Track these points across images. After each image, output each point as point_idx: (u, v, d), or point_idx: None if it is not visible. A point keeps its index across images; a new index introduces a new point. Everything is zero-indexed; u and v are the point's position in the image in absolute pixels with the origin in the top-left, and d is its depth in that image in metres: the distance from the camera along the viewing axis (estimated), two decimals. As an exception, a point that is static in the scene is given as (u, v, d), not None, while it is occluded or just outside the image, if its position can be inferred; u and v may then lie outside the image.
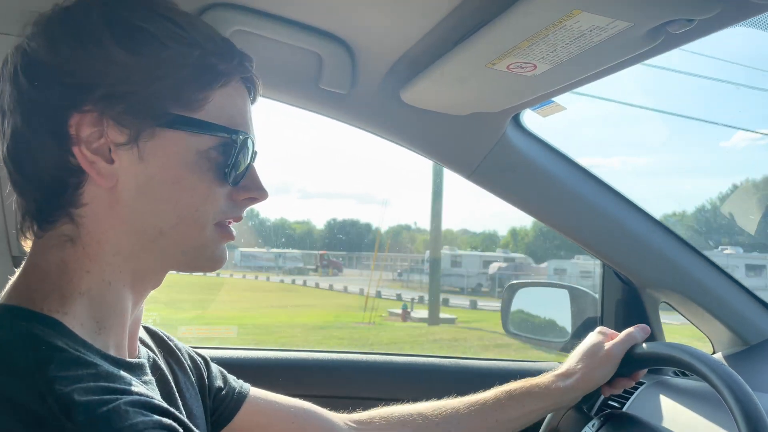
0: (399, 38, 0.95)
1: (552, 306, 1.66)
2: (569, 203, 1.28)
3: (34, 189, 0.66)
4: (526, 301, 1.65)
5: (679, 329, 1.76)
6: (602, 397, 1.16)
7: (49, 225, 0.66)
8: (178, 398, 0.79)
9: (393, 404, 1.08)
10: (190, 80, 0.66)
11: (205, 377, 0.92)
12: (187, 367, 0.88)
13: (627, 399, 1.20)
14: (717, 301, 1.31)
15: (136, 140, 0.64)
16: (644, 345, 1.02)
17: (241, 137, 0.70)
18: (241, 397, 0.96)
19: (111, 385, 0.56)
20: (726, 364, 0.87)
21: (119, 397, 0.55)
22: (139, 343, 0.77)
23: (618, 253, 1.35)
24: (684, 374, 1.29)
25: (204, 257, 0.71)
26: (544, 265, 26.06)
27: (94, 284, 0.65)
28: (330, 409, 1.05)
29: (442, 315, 15.67)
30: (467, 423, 1.02)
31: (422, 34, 0.92)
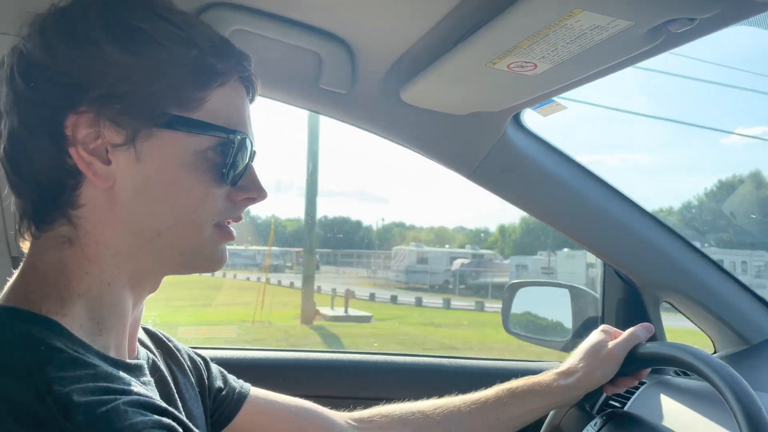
0: (399, 37, 0.95)
1: (553, 305, 1.66)
2: (570, 203, 1.27)
3: (31, 190, 0.65)
4: (526, 300, 1.64)
5: (681, 333, 1.76)
6: (604, 396, 1.16)
7: (46, 226, 0.66)
8: (178, 399, 0.79)
9: (394, 403, 1.08)
10: (187, 80, 0.66)
11: (205, 378, 0.92)
12: (187, 368, 0.88)
13: (628, 398, 1.20)
14: (718, 300, 1.31)
15: (133, 141, 0.64)
16: (647, 344, 1.02)
17: (239, 137, 0.69)
18: (241, 398, 0.95)
19: (110, 385, 0.56)
20: (727, 363, 0.86)
21: (118, 397, 0.55)
22: (138, 344, 0.77)
23: (619, 253, 1.34)
24: (685, 374, 1.28)
25: (202, 258, 0.71)
26: (507, 261, 26.14)
27: (93, 285, 0.65)
28: (331, 409, 1.05)
29: (358, 313, 15.50)
30: (468, 421, 1.02)
31: (422, 34, 0.92)
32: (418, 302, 19.22)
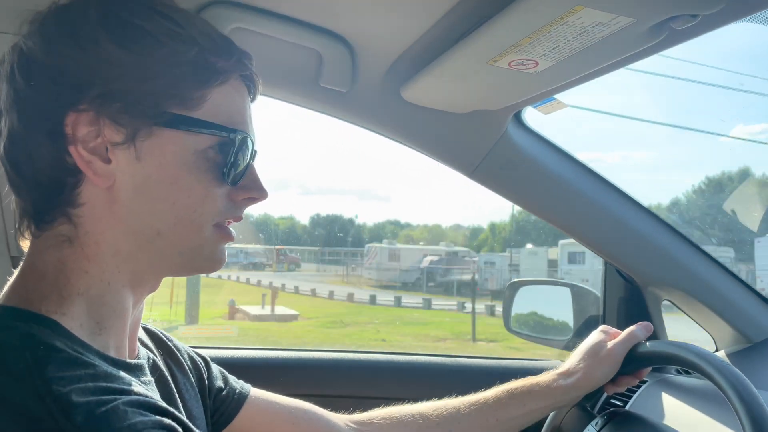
0: (399, 35, 0.94)
1: (554, 304, 1.66)
2: (571, 201, 1.27)
3: (31, 189, 0.65)
4: (528, 299, 1.64)
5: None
6: (605, 395, 1.16)
7: (46, 225, 0.65)
8: (178, 399, 0.79)
9: (394, 403, 1.08)
10: (187, 78, 0.65)
11: (205, 378, 0.91)
12: (187, 368, 0.87)
13: (630, 397, 1.20)
14: (720, 298, 1.30)
15: (133, 139, 0.64)
16: (647, 343, 1.02)
17: (240, 136, 0.69)
18: (241, 398, 0.95)
19: (109, 385, 0.56)
20: (729, 362, 0.86)
21: (118, 397, 0.54)
22: (138, 343, 0.76)
23: (620, 251, 1.34)
24: (687, 372, 1.28)
25: (202, 258, 0.71)
26: (476, 258, 26.16)
27: (93, 285, 0.65)
28: (331, 409, 1.04)
29: (284, 312, 15.25)
30: (468, 422, 1.01)
31: (423, 32, 0.92)
32: (372, 300, 18.95)
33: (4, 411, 0.52)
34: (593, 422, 1.07)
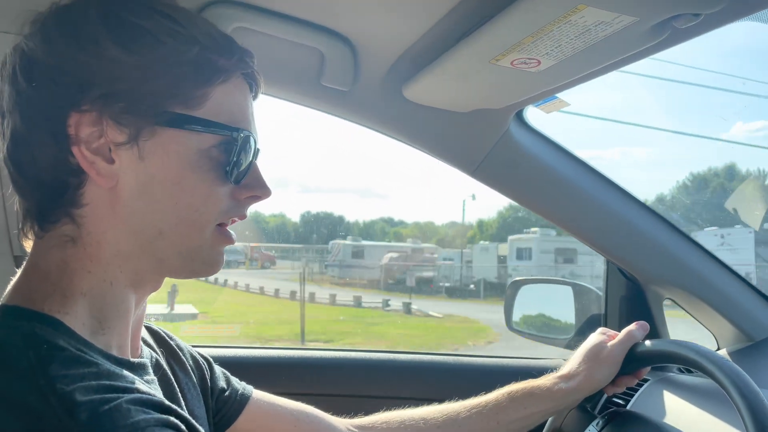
0: (401, 34, 0.94)
1: (555, 303, 1.66)
2: (573, 200, 1.27)
3: (35, 189, 0.65)
4: (529, 297, 1.64)
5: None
6: (606, 396, 1.16)
7: (50, 225, 0.65)
8: (181, 398, 0.79)
9: (396, 401, 1.08)
10: (189, 77, 0.65)
11: (208, 378, 0.91)
12: (189, 368, 0.87)
13: (631, 396, 1.20)
14: (722, 297, 1.30)
15: (135, 139, 0.64)
16: (647, 342, 1.02)
17: (243, 135, 0.69)
18: (243, 399, 0.95)
19: (113, 383, 0.56)
20: (730, 360, 0.86)
21: (121, 395, 0.55)
22: (141, 342, 0.76)
23: (622, 250, 1.34)
24: (688, 371, 1.28)
25: (200, 260, 0.70)
26: (436, 255, 26.15)
27: (95, 284, 0.65)
28: (332, 408, 1.05)
29: (184, 310, 14.85)
30: (468, 425, 1.02)
31: (425, 30, 0.91)
32: (311, 298, 18.39)
33: (8, 409, 0.52)
34: (594, 423, 1.07)
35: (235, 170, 0.69)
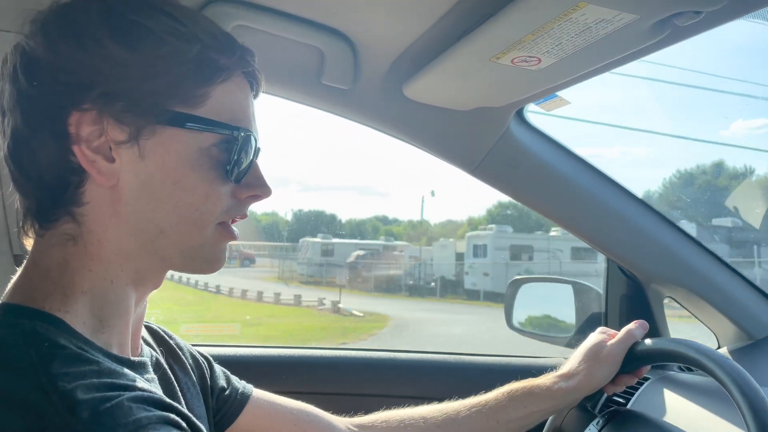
0: (402, 33, 0.94)
1: (556, 301, 1.66)
2: (574, 198, 1.27)
3: (36, 188, 0.65)
4: (530, 296, 1.64)
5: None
6: (606, 395, 1.16)
7: (50, 224, 0.65)
8: (181, 397, 0.79)
9: (396, 400, 1.08)
10: (189, 76, 0.65)
11: (208, 377, 0.91)
12: (188, 367, 0.87)
13: (631, 395, 1.20)
14: (722, 295, 1.30)
15: (136, 138, 0.64)
16: (647, 341, 1.01)
17: (243, 134, 0.69)
18: (244, 399, 0.95)
19: (114, 381, 0.56)
20: (731, 358, 0.86)
21: (122, 393, 0.55)
22: (141, 341, 0.76)
23: (623, 248, 1.34)
24: (689, 369, 1.28)
25: (202, 258, 0.70)
26: (404, 253, 26.15)
27: (96, 283, 0.65)
28: (332, 406, 1.05)
29: None
30: (468, 425, 1.02)
31: (425, 29, 0.91)
32: (259, 297, 17.88)
33: (9, 408, 0.52)
34: (594, 422, 1.07)
35: (235, 169, 0.69)
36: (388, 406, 1.08)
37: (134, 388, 0.57)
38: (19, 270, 0.67)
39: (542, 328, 1.72)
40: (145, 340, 0.80)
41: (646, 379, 1.23)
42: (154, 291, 0.74)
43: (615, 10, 0.70)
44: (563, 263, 20.41)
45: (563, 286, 1.66)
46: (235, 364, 1.06)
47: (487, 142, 1.19)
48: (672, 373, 1.28)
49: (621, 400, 1.20)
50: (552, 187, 1.26)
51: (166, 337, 0.88)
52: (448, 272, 23.66)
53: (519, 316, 1.65)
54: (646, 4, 0.69)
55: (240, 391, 0.96)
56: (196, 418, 0.81)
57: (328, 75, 1.04)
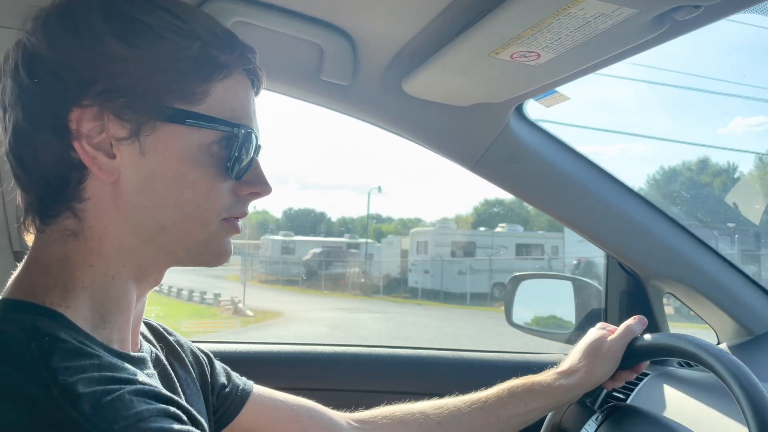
0: (401, 28, 0.94)
1: (556, 298, 1.66)
2: (573, 194, 1.27)
3: (36, 184, 0.65)
4: (529, 293, 1.64)
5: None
6: (605, 390, 1.16)
7: (51, 219, 0.66)
8: (181, 394, 0.79)
9: (396, 396, 1.08)
10: (190, 73, 0.65)
11: (208, 374, 0.91)
12: (188, 364, 0.87)
13: (631, 391, 1.20)
14: (722, 291, 1.30)
15: (137, 134, 0.64)
16: (646, 336, 1.02)
17: (244, 131, 0.69)
18: (244, 395, 0.95)
19: (115, 374, 0.57)
20: (730, 353, 0.86)
21: (123, 386, 0.55)
22: (141, 338, 0.77)
23: (622, 244, 1.34)
24: (689, 365, 1.28)
25: (207, 252, 0.71)
26: (357, 250, 26.15)
27: (97, 278, 0.65)
28: (334, 402, 1.05)
29: None
30: (468, 421, 1.02)
31: (424, 24, 0.91)
32: (189, 296, 17.85)
33: (11, 402, 0.52)
34: (593, 417, 1.07)
35: (236, 166, 0.69)
36: (389, 402, 1.08)
37: (135, 382, 0.57)
38: (20, 265, 0.67)
39: (542, 325, 1.72)
40: (144, 337, 0.80)
41: (646, 374, 1.23)
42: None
43: (614, 5, 0.70)
44: (506, 260, 20.28)
45: (563, 283, 1.66)
46: (235, 361, 1.06)
47: (487, 138, 1.19)
48: (671, 368, 1.28)
49: (620, 395, 1.20)
50: (551, 183, 1.26)
51: (166, 333, 0.88)
52: (394, 270, 23.70)
53: (519, 312, 1.65)
54: (645, -1, 0.69)
55: (240, 387, 0.96)
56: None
57: (327, 71, 1.04)
